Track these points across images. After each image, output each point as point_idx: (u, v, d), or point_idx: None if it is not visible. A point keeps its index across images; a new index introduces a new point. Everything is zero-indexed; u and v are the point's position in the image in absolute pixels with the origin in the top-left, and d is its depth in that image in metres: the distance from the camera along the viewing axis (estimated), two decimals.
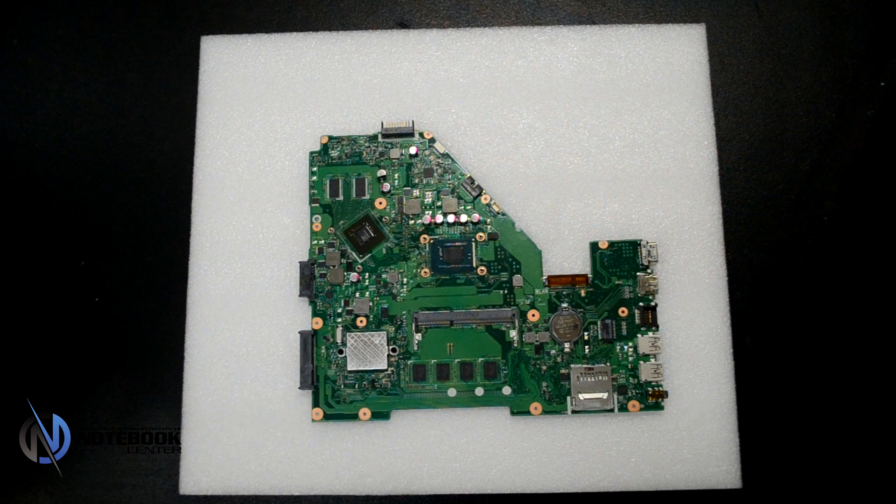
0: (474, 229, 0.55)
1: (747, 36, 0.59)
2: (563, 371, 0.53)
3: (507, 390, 0.53)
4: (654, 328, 0.53)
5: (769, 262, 0.56)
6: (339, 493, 0.53)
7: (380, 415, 0.53)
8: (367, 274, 0.54)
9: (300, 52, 0.58)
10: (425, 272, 0.54)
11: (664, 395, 0.53)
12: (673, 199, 0.56)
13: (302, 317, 0.55)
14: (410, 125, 0.56)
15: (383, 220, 0.55)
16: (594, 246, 0.55)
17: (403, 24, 0.60)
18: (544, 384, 0.53)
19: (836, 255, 0.56)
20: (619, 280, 0.54)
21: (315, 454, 0.53)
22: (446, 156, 0.56)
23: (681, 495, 0.53)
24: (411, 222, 0.55)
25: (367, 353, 0.53)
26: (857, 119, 0.58)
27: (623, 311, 0.54)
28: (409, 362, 0.53)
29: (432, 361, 0.53)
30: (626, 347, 0.53)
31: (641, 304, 0.54)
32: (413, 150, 0.56)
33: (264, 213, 0.56)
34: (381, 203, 0.55)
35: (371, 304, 0.54)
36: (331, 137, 0.56)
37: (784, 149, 0.58)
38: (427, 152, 0.56)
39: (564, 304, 0.54)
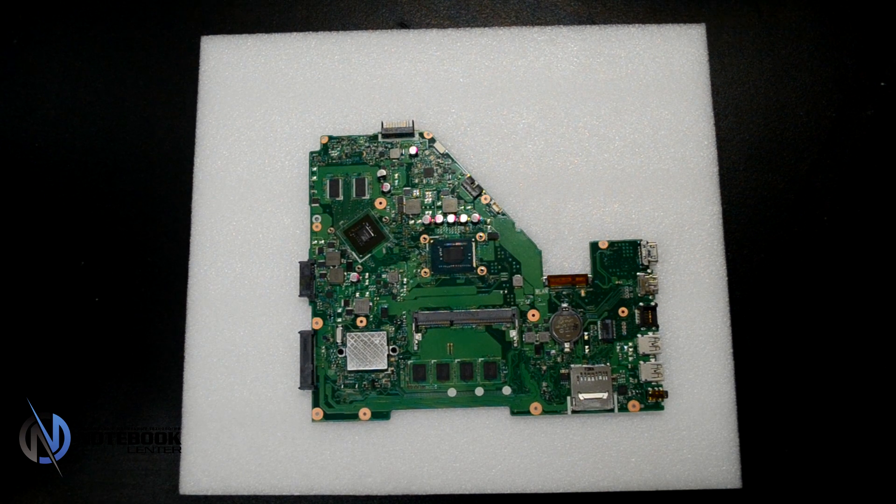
0: (474, 229, 0.55)
1: (747, 36, 0.59)
2: (563, 371, 0.53)
3: (507, 390, 0.53)
4: (654, 328, 0.53)
5: (769, 262, 0.56)
6: (339, 493, 0.53)
7: (380, 415, 0.53)
8: (367, 274, 0.54)
9: (300, 52, 0.58)
10: (425, 272, 0.54)
11: (664, 395, 0.53)
12: (673, 199, 0.56)
13: (302, 317, 0.55)
14: (410, 125, 0.56)
15: (383, 220, 0.55)
16: (594, 246, 0.55)
17: (403, 24, 0.60)
18: (544, 384, 0.53)
19: (836, 255, 0.56)
20: (619, 280, 0.54)
21: (315, 454, 0.53)
22: (446, 156, 0.56)
23: (681, 495, 0.53)
24: (411, 222, 0.55)
25: (367, 353, 0.53)
26: (857, 119, 0.58)
27: (623, 311, 0.54)
28: (409, 362, 0.53)
29: (432, 361, 0.53)
30: (626, 347, 0.53)
31: (641, 304, 0.54)
32: (413, 150, 0.56)
33: (264, 213, 0.56)
34: (381, 203, 0.55)
35: (371, 304, 0.54)
36: (331, 137, 0.56)
37: (784, 149, 0.58)
38: (427, 152, 0.56)
39: (564, 304, 0.54)
